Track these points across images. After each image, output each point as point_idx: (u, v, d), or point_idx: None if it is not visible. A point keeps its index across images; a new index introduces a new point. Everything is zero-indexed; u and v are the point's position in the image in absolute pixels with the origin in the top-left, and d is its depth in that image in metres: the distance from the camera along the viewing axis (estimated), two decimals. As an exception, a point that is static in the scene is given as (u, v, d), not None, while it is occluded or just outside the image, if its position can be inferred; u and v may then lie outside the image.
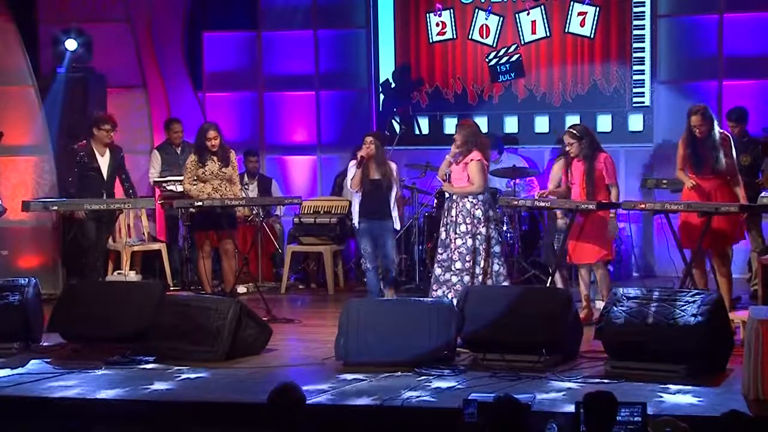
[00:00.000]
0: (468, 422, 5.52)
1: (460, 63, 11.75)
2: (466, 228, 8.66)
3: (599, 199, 8.52)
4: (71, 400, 6.64)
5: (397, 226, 9.14)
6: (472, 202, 8.68)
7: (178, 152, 10.95)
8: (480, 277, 8.61)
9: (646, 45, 11.25)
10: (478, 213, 8.66)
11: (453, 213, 8.73)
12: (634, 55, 11.26)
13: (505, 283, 8.78)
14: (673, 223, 8.42)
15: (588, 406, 5.11)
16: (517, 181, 10.70)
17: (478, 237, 8.63)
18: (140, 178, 11.62)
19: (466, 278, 8.58)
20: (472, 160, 8.68)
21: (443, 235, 8.77)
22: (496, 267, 8.73)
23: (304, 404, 5.23)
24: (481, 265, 8.63)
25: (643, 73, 11.28)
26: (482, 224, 8.65)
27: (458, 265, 8.65)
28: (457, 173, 8.77)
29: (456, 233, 8.68)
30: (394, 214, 9.01)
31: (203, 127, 9.79)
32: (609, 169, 8.63)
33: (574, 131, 8.70)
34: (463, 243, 8.64)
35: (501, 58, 11.58)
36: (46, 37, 11.26)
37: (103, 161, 9.92)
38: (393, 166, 9.09)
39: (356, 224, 9.13)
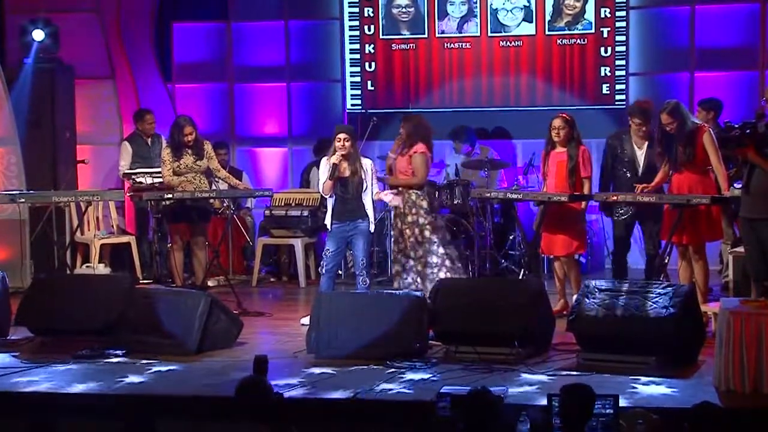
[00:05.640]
0: (441, 415, 5.53)
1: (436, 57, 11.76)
2: (413, 219, 8.69)
3: (578, 191, 8.56)
4: (39, 394, 6.60)
5: (371, 227, 8.48)
6: (417, 193, 8.70)
7: (149, 144, 10.90)
8: (436, 269, 8.62)
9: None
10: (425, 204, 8.67)
11: (401, 205, 8.71)
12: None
13: (442, 274, 8.71)
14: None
15: (565, 398, 5.12)
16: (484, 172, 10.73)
17: (427, 228, 8.64)
18: (110, 170, 11.59)
19: (419, 267, 8.65)
20: (416, 152, 8.69)
21: (395, 231, 8.82)
22: (434, 259, 8.73)
23: (271, 396, 5.23)
24: (420, 254, 8.64)
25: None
26: (429, 215, 8.67)
27: (412, 254, 8.70)
28: (402, 165, 8.77)
29: (405, 224, 8.71)
30: (370, 213, 8.44)
31: (179, 123, 9.72)
32: (586, 162, 8.67)
33: (567, 116, 8.74)
34: (412, 233, 8.66)
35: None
36: (12, 28, 11.18)
37: None
38: (367, 162, 8.52)
39: (328, 226, 8.56)
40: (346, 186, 8.40)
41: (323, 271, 8.53)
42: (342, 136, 8.39)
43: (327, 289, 8.42)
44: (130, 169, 10.78)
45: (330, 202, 8.54)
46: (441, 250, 8.73)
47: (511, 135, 11.56)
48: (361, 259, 8.46)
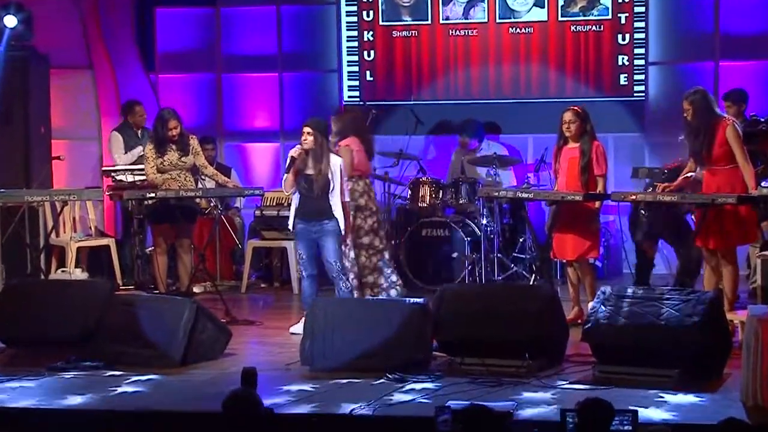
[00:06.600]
0: (442, 430, 5.51)
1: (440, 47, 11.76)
2: None
3: (591, 189, 8.55)
4: (10, 409, 6.57)
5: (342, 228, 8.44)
6: None
7: (138, 136, 10.87)
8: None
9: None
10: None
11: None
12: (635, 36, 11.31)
13: (371, 277, 8.96)
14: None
15: (581, 414, 5.11)
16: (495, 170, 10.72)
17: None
18: (87, 168, 11.57)
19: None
20: (340, 146, 8.70)
21: None
22: (362, 259, 8.80)
23: (261, 411, 5.22)
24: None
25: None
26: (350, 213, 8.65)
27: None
28: None
29: None
30: (338, 214, 8.37)
31: (163, 116, 9.70)
32: (600, 159, 8.67)
33: (578, 109, 8.73)
34: None
35: None
36: (-18, 14, 11.16)
37: None
38: (336, 160, 8.42)
39: (290, 226, 8.58)
40: (311, 184, 8.36)
41: (303, 275, 8.56)
42: (306, 129, 8.36)
43: (310, 294, 8.41)
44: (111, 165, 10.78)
45: (294, 200, 8.52)
46: (365, 254, 8.80)
47: (522, 129, 11.55)
48: (334, 262, 8.42)
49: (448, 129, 11.45)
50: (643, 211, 9.22)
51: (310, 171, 8.37)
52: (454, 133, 11.33)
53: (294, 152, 8.38)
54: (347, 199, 8.50)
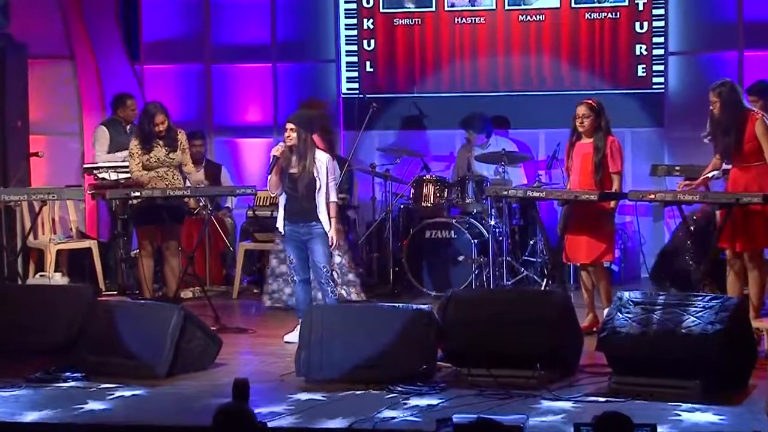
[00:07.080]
0: (444, 444, 5.52)
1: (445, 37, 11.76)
2: None
3: (606, 188, 8.56)
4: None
5: (330, 232, 8.42)
6: None
7: (127, 132, 10.86)
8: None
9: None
10: None
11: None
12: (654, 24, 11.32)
13: (350, 276, 9.41)
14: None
15: (597, 429, 5.11)
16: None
17: None
18: (68, 165, 11.56)
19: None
20: None
21: None
22: (337, 259, 9.05)
23: (254, 425, 5.23)
24: None
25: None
26: None
27: None
28: None
29: None
30: (323, 217, 8.37)
31: (149, 110, 9.71)
32: (615, 155, 8.68)
33: (593, 103, 8.74)
34: None
35: None
36: (-45, 0, 11.18)
37: None
38: (323, 157, 8.44)
39: (279, 227, 8.62)
40: (295, 183, 8.38)
41: (295, 280, 8.60)
42: (289, 126, 8.40)
43: (304, 300, 8.47)
44: (93, 161, 10.77)
45: (282, 201, 8.54)
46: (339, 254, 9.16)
47: (532, 124, 11.55)
48: (323, 267, 8.42)
49: (453, 124, 11.44)
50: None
51: (294, 169, 8.39)
52: (459, 128, 11.32)
53: (276, 151, 8.40)
54: (334, 199, 8.50)
